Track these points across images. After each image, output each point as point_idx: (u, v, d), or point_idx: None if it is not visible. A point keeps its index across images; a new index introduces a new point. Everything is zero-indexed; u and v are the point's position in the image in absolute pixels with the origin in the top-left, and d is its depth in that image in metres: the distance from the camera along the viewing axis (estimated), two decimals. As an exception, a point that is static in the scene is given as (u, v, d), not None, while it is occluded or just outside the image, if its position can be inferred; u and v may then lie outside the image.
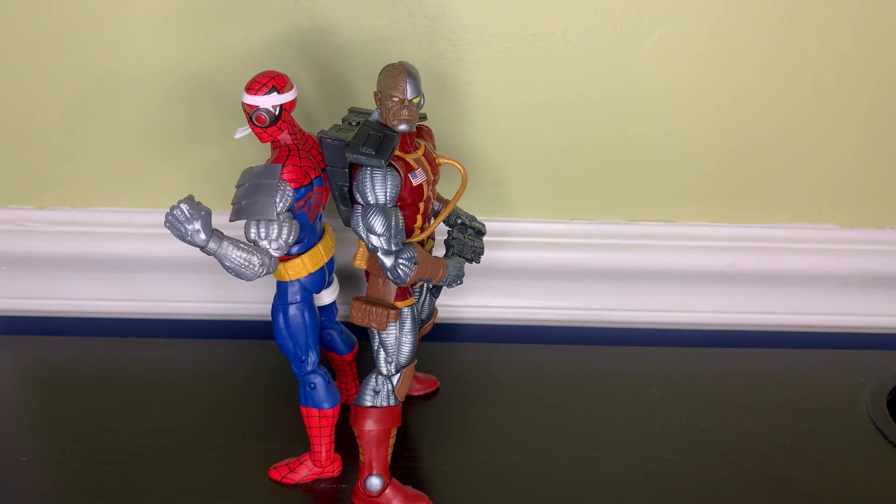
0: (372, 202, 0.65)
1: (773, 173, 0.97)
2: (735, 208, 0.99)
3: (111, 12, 0.88)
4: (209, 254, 0.63)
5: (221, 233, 0.64)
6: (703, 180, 0.97)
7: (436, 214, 0.76)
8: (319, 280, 0.74)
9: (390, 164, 0.66)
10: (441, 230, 0.81)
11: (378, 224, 0.65)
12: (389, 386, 0.71)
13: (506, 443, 0.82)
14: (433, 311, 0.82)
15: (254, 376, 0.92)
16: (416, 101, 0.66)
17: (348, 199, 0.70)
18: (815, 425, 0.85)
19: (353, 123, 0.69)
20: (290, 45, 0.88)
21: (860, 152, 0.96)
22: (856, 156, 0.96)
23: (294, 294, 0.72)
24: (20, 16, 0.88)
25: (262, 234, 0.65)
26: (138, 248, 0.98)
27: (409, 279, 0.66)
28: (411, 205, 0.68)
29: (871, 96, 0.92)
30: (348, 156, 0.65)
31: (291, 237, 0.66)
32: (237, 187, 0.67)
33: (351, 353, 0.84)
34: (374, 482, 0.72)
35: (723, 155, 0.95)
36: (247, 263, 0.64)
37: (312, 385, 0.74)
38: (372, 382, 0.72)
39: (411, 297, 0.71)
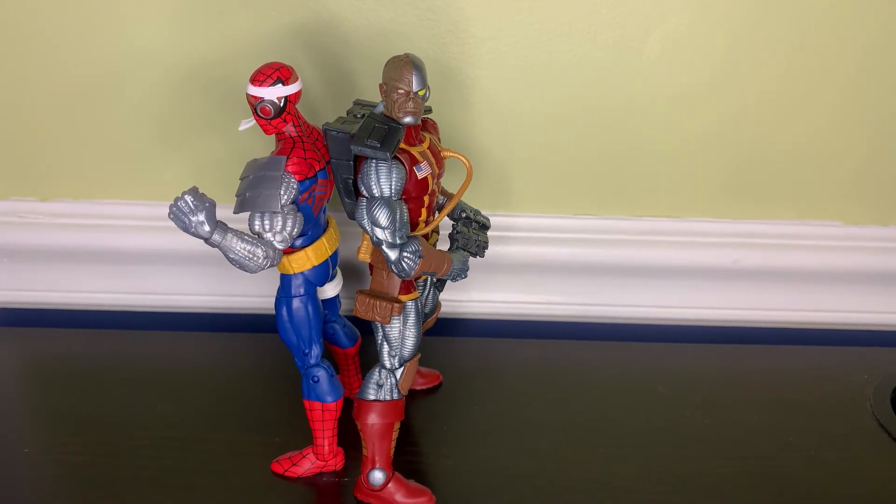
0: (377, 195, 0.65)
1: (777, 170, 0.96)
2: (740, 205, 0.98)
3: (115, 4, 0.87)
4: (213, 246, 0.63)
5: (225, 225, 0.63)
6: (709, 176, 0.96)
7: (440, 208, 0.76)
8: (323, 273, 0.73)
9: (395, 157, 0.65)
10: (445, 224, 0.81)
11: (383, 217, 0.64)
12: (393, 380, 0.71)
13: (509, 438, 0.82)
14: (437, 305, 0.82)
15: (257, 370, 0.91)
16: (421, 93, 0.66)
17: (353, 192, 0.69)
18: (819, 423, 0.85)
19: (359, 116, 0.69)
20: (295, 37, 0.88)
21: (866, 150, 0.95)
22: (861, 153, 0.96)
23: (298, 287, 0.72)
24: (23, 9, 0.88)
25: (267, 227, 0.65)
26: (141, 241, 0.98)
27: (413, 272, 0.66)
28: (416, 198, 0.68)
29: (878, 94, 0.92)
30: (353, 148, 0.65)
31: (296, 230, 0.66)
32: (241, 179, 0.67)
33: (354, 346, 0.84)
34: (377, 476, 0.72)
35: (728, 151, 0.95)
36: (251, 255, 0.64)
37: (315, 378, 0.74)
38: (375, 376, 0.72)
39: (415, 290, 0.71)
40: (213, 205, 0.62)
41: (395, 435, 0.73)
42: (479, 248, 0.80)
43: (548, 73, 0.90)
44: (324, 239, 0.73)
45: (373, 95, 0.72)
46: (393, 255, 0.65)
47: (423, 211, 0.70)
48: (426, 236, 0.72)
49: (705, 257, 0.99)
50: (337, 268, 0.78)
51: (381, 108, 0.68)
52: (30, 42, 0.89)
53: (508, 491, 0.75)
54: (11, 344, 0.98)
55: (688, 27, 0.88)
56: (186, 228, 0.62)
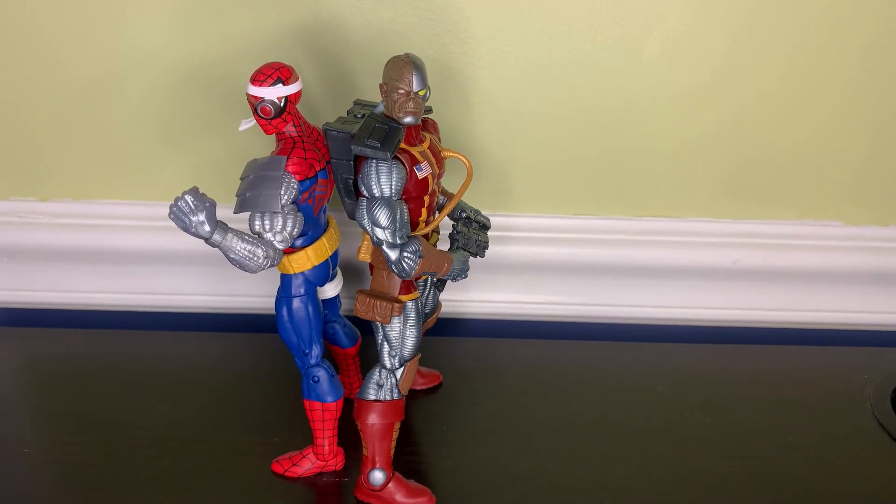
0: (377, 195, 0.65)
1: (777, 170, 0.96)
2: (740, 205, 0.98)
3: (115, 4, 0.87)
4: (213, 245, 0.63)
5: (226, 224, 0.63)
6: (709, 176, 0.96)
7: (441, 208, 0.76)
8: (323, 273, 0.73)
9: (395, 157, 0.65)
10: (446, 224, 0.81)
11: (383, 217, 0.64)
12: (393, 380, 0.71)
13: (508, 438, 0.82)
14: (437, 305, 0.82)
15: (257, 370, 0.91)
16: (421, 93, 0.66)
17: (353, 192, 0.69)
18: (819, 423, 0.85)
19: (359, 116, 0.69)
20: (295, 37, 0.88)
21: (866, 150, 0.95)
22: (861, 153, 0.96)
23: (298, 287, 0.72)
24: (23, 9, 0.88)
25: (267, 226, 0.65)
26: (141, 241, 0.98)
27: (413, 272, 0.66)
28: (416, 198, 0.68)
29: (878, 94, 0.92)
30: (353, 148, 0.65)
31: (296, 229, 0.66)
32: (241, 179, 0.67)
33: (354, 346, 0.84)
34: (377, 476, 0.72)
35: (728, 151, 0.95)
36: (251, 255, 0.64)
37: (316, 378, 0.74)
38: (375, 376, 0.72)
39: (415, 290, 0.71)
40: (213, 205, 0.62)
41: (395, 435, 0.73)
42: (480, 248, 0.80)
43: (548, 73, 0.90)
44: (324, 239, 0.73)
45: (373, 95, 0.72)
46: (393, 255, 0.65)
47: (424, 211, 0.70)
48: (426, 236, 0.72)
49: (705, 257, 0.99)
50: (337, 268, 0.78)
51: (381, 108, 0.68)
52: (30, 42, 0.89)
53: (508, 491, 0.75)
54: (11, 344, 0.98)
55: (688, 27, 0.88)
56: (187, 228, 0.62)
